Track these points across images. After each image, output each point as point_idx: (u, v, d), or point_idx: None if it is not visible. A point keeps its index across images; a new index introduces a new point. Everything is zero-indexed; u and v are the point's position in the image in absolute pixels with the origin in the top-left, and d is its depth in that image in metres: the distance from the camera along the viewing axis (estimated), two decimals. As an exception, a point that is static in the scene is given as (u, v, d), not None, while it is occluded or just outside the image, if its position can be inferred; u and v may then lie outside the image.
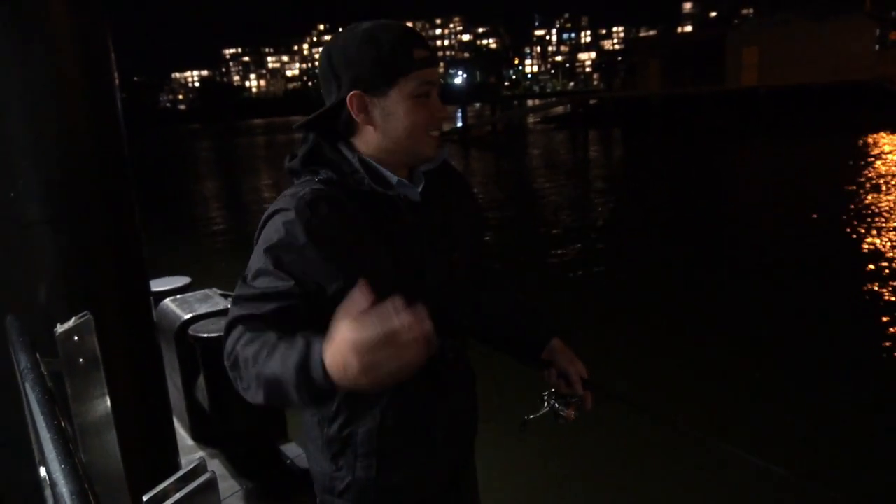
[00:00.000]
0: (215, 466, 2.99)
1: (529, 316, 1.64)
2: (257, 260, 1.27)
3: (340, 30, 1.49)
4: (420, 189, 1.39)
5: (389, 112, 1.30)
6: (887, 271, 8.18)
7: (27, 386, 1.07)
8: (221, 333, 2.88)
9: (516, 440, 1.63)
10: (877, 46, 38.62)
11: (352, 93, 1.29)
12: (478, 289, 1.62)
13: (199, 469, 0.75)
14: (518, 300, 1.67)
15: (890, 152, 20.03)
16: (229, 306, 1.29)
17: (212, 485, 0.73)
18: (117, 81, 2.05)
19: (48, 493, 0.80)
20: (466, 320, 1.56)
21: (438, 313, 1.32)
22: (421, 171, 1.42)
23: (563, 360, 1.57)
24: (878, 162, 18.14)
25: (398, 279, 1.27)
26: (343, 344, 0.95)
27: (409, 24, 1.39)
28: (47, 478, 0.80)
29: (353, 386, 0.97)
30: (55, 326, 1.31)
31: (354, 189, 1.30)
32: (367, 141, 1.35)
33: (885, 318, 6.60)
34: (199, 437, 3.18)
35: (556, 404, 1.55)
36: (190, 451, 3.07)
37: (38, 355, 1.22)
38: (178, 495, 0.72)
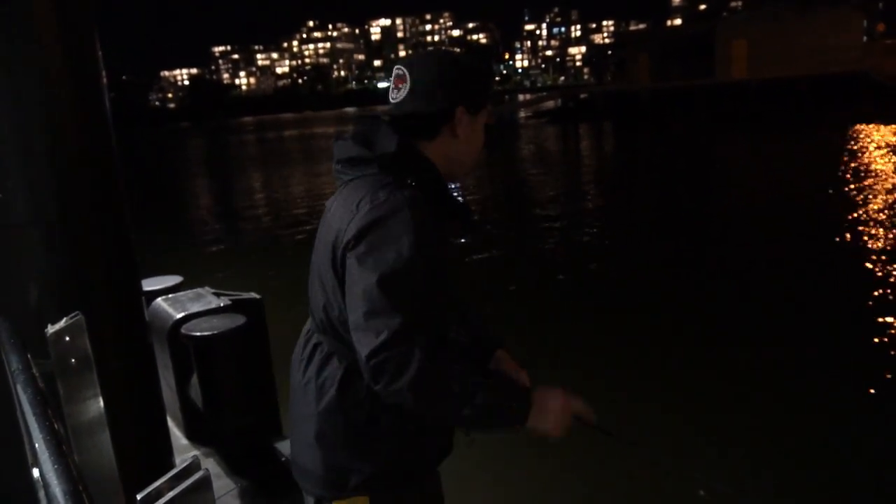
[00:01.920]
0: (210, 465, 2.99)
1: (475, 327, 1.70)
2: (397, 256, 1.31)
3: (419, 50, 1.75)
4: None
5: (474, 130, 1.53)
6: (877, 264, 8.24)
7: (19, 387, 1.06)
8: (215, 332, 2.86)
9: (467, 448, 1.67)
10: (865, 38, 38.80)
11: (461, 106, 1.49)
12: None
13: (192, 467, 0.75)
14: (470, 310, 1.72)
15: (879, 144, 20.15)
16: (383, 306, 1.29)
17: (206, 482, 0.74)
18: (105, 80, 2.04)
19: (42, 494, 0.80)
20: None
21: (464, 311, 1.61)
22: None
23: (508, 371, 1.64)
24: (868, 154, 18.25)
25: (455, 281, 1.50)
26: (561, 397, 1.44)
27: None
28: (41, 479, 0.79)
29: (533, 422, 1.40)
30: (46, 327, 1.31)
31: (436, 195, 1.45)
32: (439, 149, 1.51)
33: (876, 314, 6.65)
34: (193, 436, 3.18)
35: None
36: (184, 451, 3.07)
37: (29, 356, 1.21)
38: (171, 493, 0.72)
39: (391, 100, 1.50)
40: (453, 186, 1.56)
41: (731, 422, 4.69)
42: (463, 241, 1.68)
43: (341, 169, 1.50)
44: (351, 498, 1.48)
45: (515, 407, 1.39)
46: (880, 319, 6.38)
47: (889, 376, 5.26)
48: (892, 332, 6.08)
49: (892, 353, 5.65)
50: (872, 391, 5.05)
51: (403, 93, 1.48)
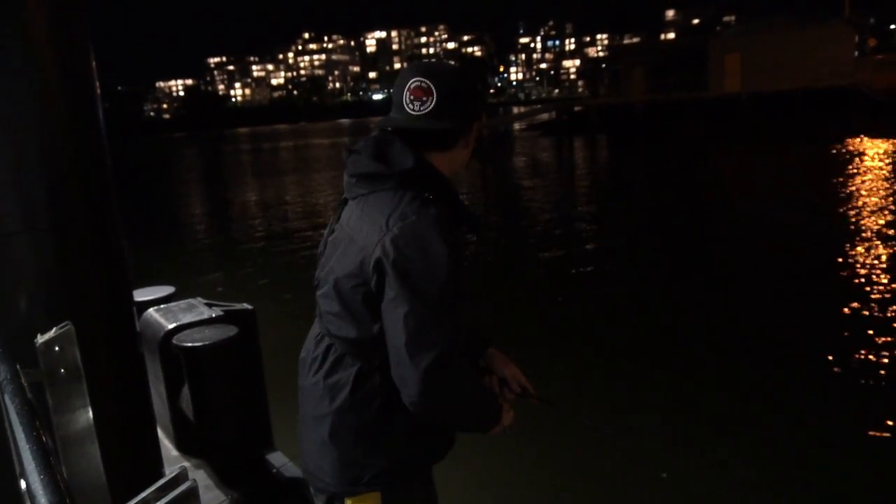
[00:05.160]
0: (200, 476, 2.97)
1: (469, 328, 1.76)
2: (435, 273, 1.40)
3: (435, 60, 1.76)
4: None
5: (469, 145, 1.60)
6: (867, 276, 8.28)
7: (6, 397, 1.06)
8: (207, 342, 2.85)
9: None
10: (856, 53, 39.14)
11: (477, 120, 1.58)
12: None
13: (180, 477, 0.75)
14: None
15: (869, 157, 20.30)
16: (428, 329, 1.40)
17: (193, 493, 0.73)
18: (99, 90, 2.04)
19: (28, 505, 0.79)
20: None
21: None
22: None
23: (499, 364, 1.75)
24: (858, 166, 18.39)
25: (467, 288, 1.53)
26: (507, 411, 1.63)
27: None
28: (27, 491, 0.79)
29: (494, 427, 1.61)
30: (35, 336, 1.30)
31: (451, 209, 1.50)
32: (447, 160, 1.56)
33: (866, 326, 6.68)
34: (184, 447, 3.15)
35: None
36: (174, 462, 3.04)
37: (17, 366, 1.20)
38: (158, 504, 0.72)
39: (411, 111, 1.48)
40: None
41: (729, 433, 4.72)
42: (473, 238, 1.81)
43: (356, 183, 1.53)
44: (363, 494, 1.54)
45: (493, 414, 1.59)
46: (868, 329, 6.42)
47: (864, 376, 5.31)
48: (869, 335, 6.14)
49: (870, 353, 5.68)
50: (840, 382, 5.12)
51: (429, 106, 1.47)
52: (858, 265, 8.75)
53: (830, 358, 5.83)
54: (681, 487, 4.04)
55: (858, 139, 25.22)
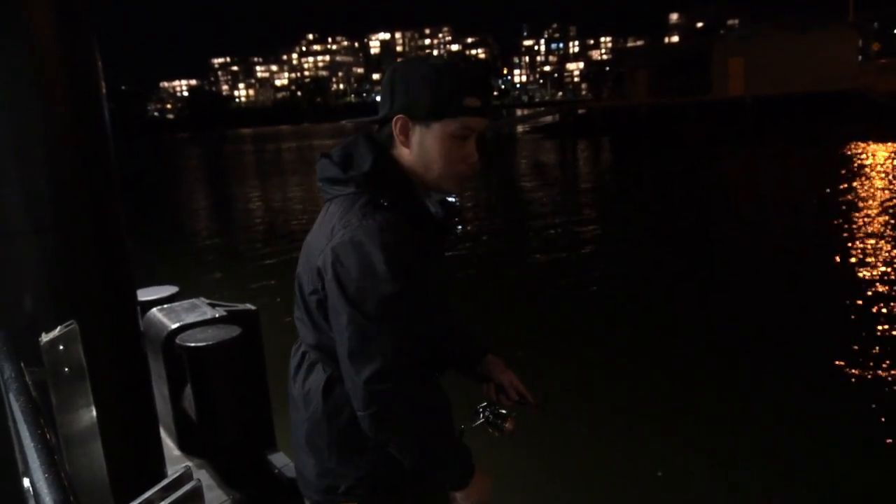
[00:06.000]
0: (202, 476, 2.97)
1: (465, 335, 1.77)
2: (373, 283, 1.32)
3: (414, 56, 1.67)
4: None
5: (427, 143, 1.43)
6: (869, 278, 8.26)
7: (11, 396, 1.06)
8: (210, 343, 2.86)
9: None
10: (860, 57, 39.11)
11: (399, 115, 1.42)
12: None
13: (184, 477, 0.75)
14: (456, 320, 1.77)
15: (871, 161, 20.27)
16: (366, 340, 1.34)
17: (197, 493, 0.73)
18: (104, 90, 2.04)
19: (32, 503, 0.79)
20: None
21: (447, 327, 1.60)
22: (437, 200, 1.52)
23: (497, 371, 1.73)
24: (861, 170, 18.35)
25: (439, 298, 1.50)
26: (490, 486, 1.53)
27: (482, 65, 1.54)
28: (31, 488, 0.79)
29: (466, 492, 1.48)
30: (40, 335, 1.30)
31: (411, 213, 1.42)
32: (405, 157, 1.47)
33: (866, 330, 6.66)
34: (186, 447, 3.15)
35: (491, 417, 1.66)
36: (177, 462, 3.04)
37: (22, 364, 1.21)
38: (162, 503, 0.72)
39: None
40: (440, 197, 1.53)
41: (727, 440, 4.71)
42: (450, 236, 1.73)
43: (322, 187, 1.52)
44: (341, 503, 1.50)
45: (459, 472, 1.47)
46: (865, 331, 6.41)
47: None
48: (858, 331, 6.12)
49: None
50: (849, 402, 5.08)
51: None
52: (861, 267, 8.72)
53: (831, 358, 5.82)
54: (680, 487, 4.04)
55: (862, 143, 25.18)
